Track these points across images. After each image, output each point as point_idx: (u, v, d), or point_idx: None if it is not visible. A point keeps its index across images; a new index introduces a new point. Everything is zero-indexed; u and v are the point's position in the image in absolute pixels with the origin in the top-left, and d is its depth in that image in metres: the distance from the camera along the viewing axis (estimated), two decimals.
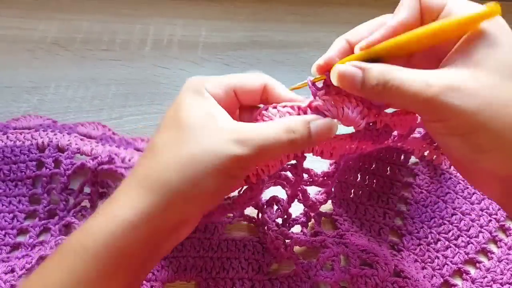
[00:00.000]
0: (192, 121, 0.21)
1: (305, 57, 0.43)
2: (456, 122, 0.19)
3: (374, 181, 0.33)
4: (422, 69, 0.20)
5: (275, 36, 0.44)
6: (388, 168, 0.33)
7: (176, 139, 0.21)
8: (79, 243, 0.20)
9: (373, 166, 0.33)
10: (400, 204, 0.33)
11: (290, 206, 0.30)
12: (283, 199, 0.31)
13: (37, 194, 0.33)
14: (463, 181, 0.32)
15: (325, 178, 0.27)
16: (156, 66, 0.42)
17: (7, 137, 0.34)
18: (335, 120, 0.22)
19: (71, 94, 0.39)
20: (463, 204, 0.32)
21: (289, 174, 0.27)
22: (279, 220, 0.31)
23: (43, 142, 0.33)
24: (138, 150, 0.34)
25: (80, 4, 0.45)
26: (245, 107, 0.24)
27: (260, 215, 0.31)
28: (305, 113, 0.22)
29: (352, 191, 0.33)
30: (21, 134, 0.34)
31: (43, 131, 0.34)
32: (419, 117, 0.26)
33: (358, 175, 0.33)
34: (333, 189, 0.32)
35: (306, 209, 0.31)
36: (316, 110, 0.23)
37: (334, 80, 0.21)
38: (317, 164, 0.28)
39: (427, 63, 0.22)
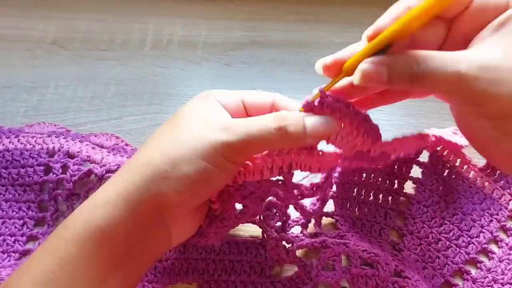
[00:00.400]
0: (190, 116, 0.21)
1: (305, 57, 0.43)
2: (489, 107, 0.19)
3: (379, 179, 0.32)
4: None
5: (275, 35, 0.44)
6: (395, 166, 0.32)
7: (169, 128, 0.22)
8: (63, 226, 0.20)
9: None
10: (401, 204, 0.33)
11: (288, 207, 0.30)
12: (279, 203, 0.30)
13: (45, 200, 0.32)
14: (465, 181, 0.32)
15: (315, 189, 0.26)
16: (155, 66, 0.41)
17: (18, 140, 0.34)
18: (333, 120, 0.21)
19: (70, 94, 0.39)
20: (464, 204, 0.31)
21: (279, 191, 0.25)
22: (279, 223, 0.31)
23: (53, 148, 0.33)
24: None
25: (80, 4, 0.45)
26: None
27: (261, 217, 0.31)
28: None
29: (355, 190, 0.32)
30: (32, 138, 0.34)
31: (56, 137, 0.34)
32: (430, 138, 0.26)
33: (363, 174, 0.32)
34: (335, 188, 0.32)
35: None
36: None
37: (357, 81, 0.19)
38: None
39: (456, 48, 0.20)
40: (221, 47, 0.43)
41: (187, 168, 0.20)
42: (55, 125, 0.36)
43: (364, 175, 0.32)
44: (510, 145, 0.20)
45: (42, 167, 0.32)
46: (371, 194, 0.32)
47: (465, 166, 0.32)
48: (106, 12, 0.45)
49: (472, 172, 0.32)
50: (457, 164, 0.32)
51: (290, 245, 0.29)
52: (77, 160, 0.32)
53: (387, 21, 0.20)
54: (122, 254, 0.21)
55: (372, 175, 0.32)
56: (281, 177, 0.24)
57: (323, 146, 0.23)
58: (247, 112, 0.23)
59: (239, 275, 0.29)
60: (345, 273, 0.27)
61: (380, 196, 0.32)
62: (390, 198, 0.32)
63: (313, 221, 0.32)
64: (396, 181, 0.32)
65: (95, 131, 0.37)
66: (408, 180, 0.33)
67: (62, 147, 0.33)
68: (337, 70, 0.21)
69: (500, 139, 0.20)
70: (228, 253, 0.29)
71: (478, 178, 0.32)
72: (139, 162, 0.21)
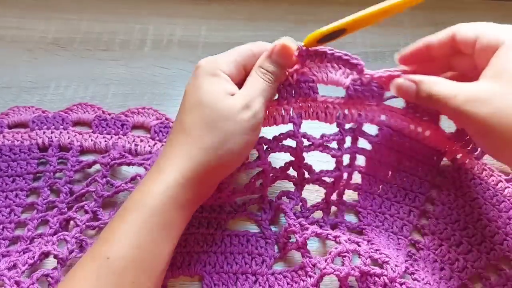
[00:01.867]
0: (213, 101, 0.26)
1: None
2: (473, 127, 0.25)
3: (404, 179, 0.32)
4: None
5: (275, 36, 0.43)
6: (419, 168, 0.32)
7: (204, 117, 0.26)
8: (140, 201, 0.25)
9: (405, 163, 0.32)
10: (427, 204, 0.32)
11: (301, 192, 0.31)
12: (292, 191, 0.31)
13: (37, 188, 0.33)
14: (493, 188, 0.31)
15: (323, 140, 0.29)
16: (155, 66, 0.41)
17: (4, 136, 0.35)
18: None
19: (71, 94, 0.39)
20: (490, 210, 0.31)
21: (290, 141, 0.29)
22: (297, 207, 0.31)
23: (43, 142, 0.34)
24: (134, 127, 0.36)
25: (80, 4, 0.45)
26: None
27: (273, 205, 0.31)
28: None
29: (380, 186, 0.32)
30: (17, 133, 0.35)
31: (39, 129, 0.35)
32: None
33: (389, 171, 0.32)
34: (361, 181, 0.32)
35: (326, 195, 0.31)
36: (304, 75, 0.28)
37: (393, 91, 0.27)
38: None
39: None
40: (221, 47, 0.42)
41: (236, 146, 0.26)
42: (29, 108, 0.37)
43: (390, 172, 0.32)
44: (502, 158, 0.26)
45: (36, 161, 0.34)
46: (397, 192, 0.32)
47: (491, 177, 0.32)
48: (106, 12, 0.45)
49: (500, 183, 0.32)
50: (483, 174, 0.32)
51: (304, 231, 0.28)
52: (73, 152, 0.34)
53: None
54: (185, 222, 0.26)
55: (397, 174, 0.32)
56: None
57: None
58: (245, 70, 0.28)
59: (241, 267, 0.29)
60: (353, 270, 0.26)
61: (405, 194, 0.32)
62: (415, 196, 0.32)
63: (334, 208, 0.32)
64: (420, 182, 0.32)
65: None
66: (434, 183, 0.32)
67: (52, 142, 0.34)
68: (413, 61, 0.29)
69: (493, 154, 0.26)
70: (229, 245, 0.30)
71: (506, 188, 0.31)
72: (192, 152, 0.25)
